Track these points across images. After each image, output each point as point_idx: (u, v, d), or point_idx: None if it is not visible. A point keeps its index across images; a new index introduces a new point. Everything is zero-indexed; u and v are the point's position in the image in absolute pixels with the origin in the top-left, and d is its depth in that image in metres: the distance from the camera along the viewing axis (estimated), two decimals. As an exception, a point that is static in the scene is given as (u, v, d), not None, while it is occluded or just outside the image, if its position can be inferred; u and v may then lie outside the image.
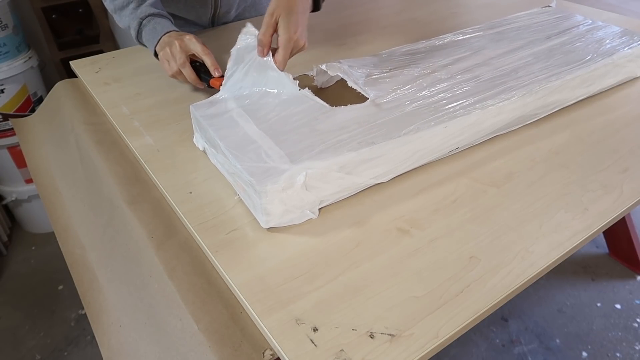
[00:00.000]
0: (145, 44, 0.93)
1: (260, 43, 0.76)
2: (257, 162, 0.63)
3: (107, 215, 0.76)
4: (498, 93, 0.78)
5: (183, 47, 0.85)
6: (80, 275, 0.72)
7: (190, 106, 0.76)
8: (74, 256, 0.75)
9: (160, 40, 0.89)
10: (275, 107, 0.74)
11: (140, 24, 0.91)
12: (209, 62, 0.84)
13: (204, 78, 0.86)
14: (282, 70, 0.76)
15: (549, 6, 1.15)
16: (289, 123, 0.71)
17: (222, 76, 0.81)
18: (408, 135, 0.69)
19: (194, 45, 0.85)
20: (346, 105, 0.74)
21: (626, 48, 0.92)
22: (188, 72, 0.85)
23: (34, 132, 1.03)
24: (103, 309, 0.67)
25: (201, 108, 0.75)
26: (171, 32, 0.89)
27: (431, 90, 0.79)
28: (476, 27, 1.04)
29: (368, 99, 0.76)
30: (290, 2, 0.75)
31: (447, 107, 0.75)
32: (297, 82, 0.76)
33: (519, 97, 0.78)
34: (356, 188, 0.68)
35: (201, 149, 0.77)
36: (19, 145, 1.61)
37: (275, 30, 0.76)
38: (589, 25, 1.04)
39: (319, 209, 0.66)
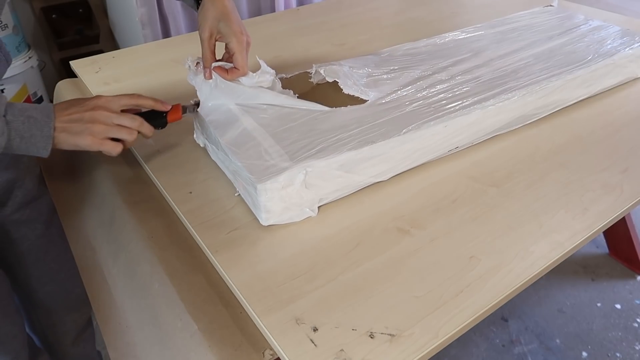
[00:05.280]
0: (25, 147, 0.57)
1: (206, 66, 0.72)
2: (257, 159, 0.63)
3: (110, 216, 0.76)
4: (498, 93, 0.78)
5: (114, 107, 0.62)
6: (90, 278, 0.72)
7: (191, 101, 0.76)
8: (84, 259, 0.75)
9: (58, 121, 0.58)
10: (273, 105, 0.74)
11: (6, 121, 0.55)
12: (151, 102, 0.66)
13: (158, 122, 0.67)
14: (246, 74, 0.72)
15: (550, 5, 1.15)
16: (288, 121, 0.71)
17: (171, 105, 0.68)
18: (408, 134, 0.69)
19: (125, 99, 0.64)
20: (345, 103, 0.75)
21: (627, 49, 0.92)
22: (147, 127, 0.65)
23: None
24: (111, 311, 0.67)
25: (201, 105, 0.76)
26: (47, 107, 0.59)
27: (431, 91, 0.79)
28: (478, 25, 1.04)
29: (367, 99, 0.76)
30: (222, 8, 0.69)
31: (447, 106, 0.75)
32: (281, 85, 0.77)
33: (519, 97, 0.78)
34: (356, 186, 0.68)
35: (202, 145, 0.78)
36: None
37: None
38: (590, 25, 1.04)
39: (319, 207, 0.66)
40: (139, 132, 0.64)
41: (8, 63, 0.69)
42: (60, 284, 0.90)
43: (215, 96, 0.73)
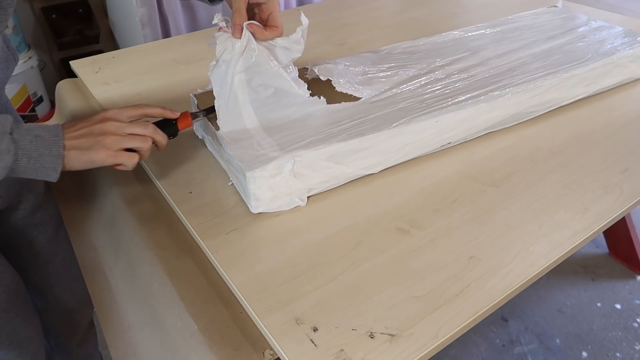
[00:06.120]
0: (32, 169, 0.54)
1: (237, 22, 0.64)
2: (248, 149, 0.65)
3: (111, 217, 0.76)
4: (492, 90, 0.78)
5: (122, 118, 0.60)
6: (92, 278, 0.72)
7: (191, 94, 0.77)
8: (86, 259, 0.75)
9: (67, 138, 0.55)
10: (277, 91, 0.70)
11: (14, 141, 0.52)
12: (159, 110, 0.65)
13: (170, 130, 0.66)
14: (282, 34, 0.67)
15: (555, 6, 1.15)
16: (284, 116, 0.71)
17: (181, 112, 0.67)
18: (398, 127, 0.69)
19: (133, 109, 0.62)
20: (339, 101, 0.75)
21: (628, 48, 0.92)
22: (161, 135, 0.63)
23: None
24: (113, 310, 0.67)
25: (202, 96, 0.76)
26: (55, 126, 0.56)
27: (426, 88, 0.80)
28: (479, 25, 1.04)
29: (360, 98, 0.77)
30: None
31: (439, 102, 0.75)
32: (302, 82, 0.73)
33: (513, 95, 0.79)
34: (345, 178, 0.69)
35: (200, 137, 0.79)
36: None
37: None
38: (592, 25, 1.04)
39: (312, 198, 0.67)
40: (152, 141, 0.61)
41: (16, 61, 0.69)
42: (66, 285, 0.90)
43: (236, 60, 0.66)
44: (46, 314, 0.94)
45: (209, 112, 0.70)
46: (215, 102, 0.68)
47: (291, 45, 0.68)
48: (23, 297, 0.78)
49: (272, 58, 0.68)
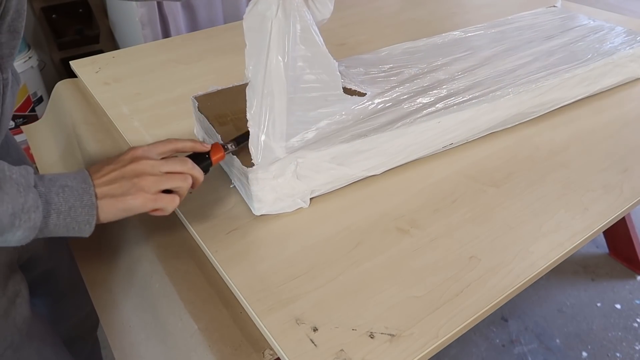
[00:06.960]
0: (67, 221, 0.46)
1: None
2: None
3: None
4: (494, 90, 0.78)
5: (153, 155, 0.54)
6: (92, 277, 0.72)
7: (192, 97, 0.77)
8: (86, 260, 0.75)
9: (96, 185, 0.48)
10: (309, 58, 0.67)
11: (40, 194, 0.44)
12: (190, 144, 0.58)
13: (203, 165, 0.60)
14: None
15: (554, 6, 1.15)
16: (304, 90, 0.67)
17: (212, 143, 0.62)
18: (400, 128, 0.69)
19: (162, 145, 0.56)
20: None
21: (628, 48, 0.92)
22: (198, 170, 0.57)
23: (42, 137, 1.03)
24: (114, 311, 0.67)
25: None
26: (80, 172, 0.49)
27: (427, 88, 0.80)
28: (479, 25, 1.04)
29: (365, 94, 0.76)
30: None
31: (441, 103, 0.75)
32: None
33: (515, 95, 0.78)
34: (348, 179, 0.69)
35: (200, 139, 0.79)
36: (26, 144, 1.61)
37: None
38: (592, 25, 1.04)
39: (312, 199, 0.67)
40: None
41: (19, 85, 0.68)
42: (77, 297, 0.89)
43: (275, 6, 0.62)
44: (59, 324, 0.93)
45: (240, 141, 0.65)
46: (246, 50, 0.62)
47: (324, 1, 0.66)
48: (51, 333, 0.70)
49: (308, 12, 0.64)
